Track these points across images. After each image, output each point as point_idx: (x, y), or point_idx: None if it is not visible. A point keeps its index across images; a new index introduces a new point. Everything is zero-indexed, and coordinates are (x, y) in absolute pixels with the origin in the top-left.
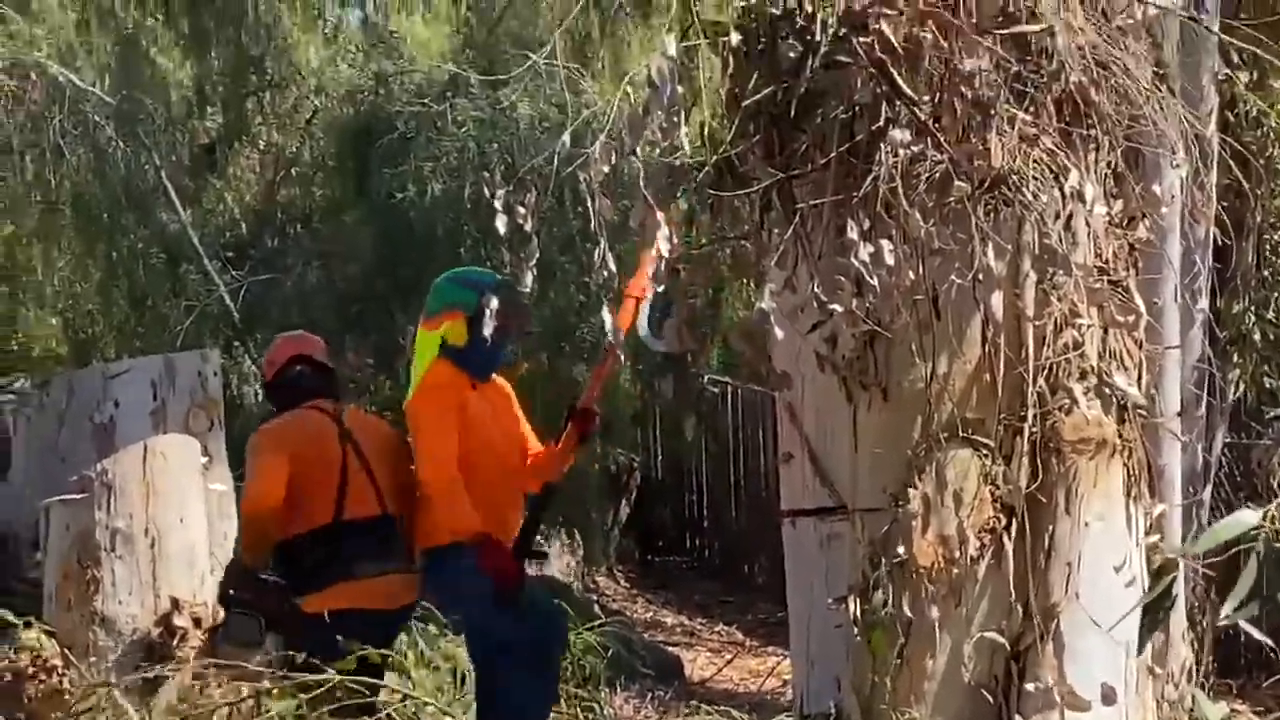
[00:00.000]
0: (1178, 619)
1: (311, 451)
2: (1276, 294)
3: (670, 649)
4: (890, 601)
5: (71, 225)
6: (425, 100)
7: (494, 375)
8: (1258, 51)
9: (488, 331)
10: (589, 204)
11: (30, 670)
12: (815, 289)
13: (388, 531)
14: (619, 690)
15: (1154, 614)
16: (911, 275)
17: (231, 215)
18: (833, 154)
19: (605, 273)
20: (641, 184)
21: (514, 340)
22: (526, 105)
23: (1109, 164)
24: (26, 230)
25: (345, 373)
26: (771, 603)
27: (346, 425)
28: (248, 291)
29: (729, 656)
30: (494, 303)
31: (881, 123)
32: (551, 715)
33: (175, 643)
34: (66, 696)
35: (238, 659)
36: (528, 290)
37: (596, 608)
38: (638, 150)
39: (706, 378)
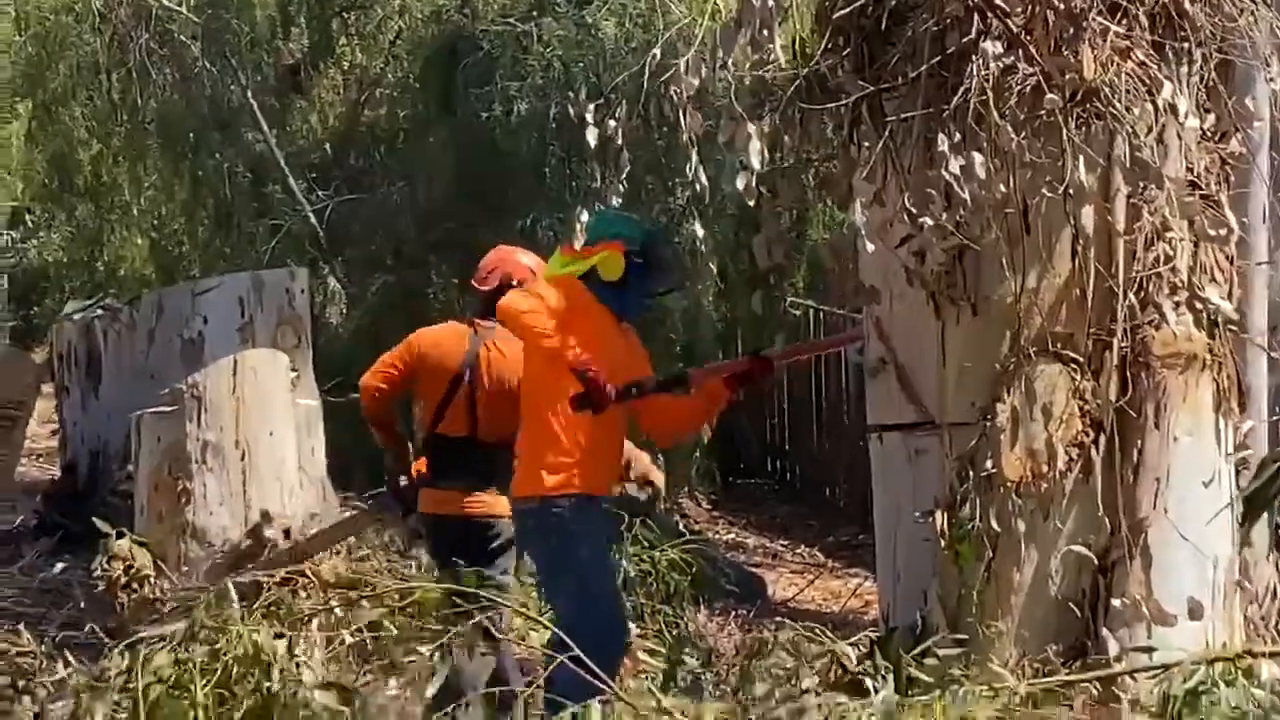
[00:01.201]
0: (1261, 537)
1: (434, 362)
2: None
3: (753, 569)
4: (978, 516)
5: (158, 145)
6: (511, 20)
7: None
8: None
9: (653, 267)
10: (680, 118)
11: (123, 580)
12: (905, 203)
13: (475, 453)
14: (702, 608)
15: (1259, 503)
16: (1002, 189)
17: (316, 136)
18: (923, 67)
19: (697, 186)
20: (732, 98)
21: (662, 291)
22: (612, 25)
23: (1201, 77)
24: (113, 150)
25: (429, 293)
26: (853, 525)
27: (481, 348)
28: (333, 212)
29: (811, 577)
30: (657, 248)
31: (973, 35)
32: (635, 631)
33: (265, 554)
34: (158, 605)
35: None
36: (616, 202)
37: (680, 528)
38: (730, 63)
39: (789, 299)
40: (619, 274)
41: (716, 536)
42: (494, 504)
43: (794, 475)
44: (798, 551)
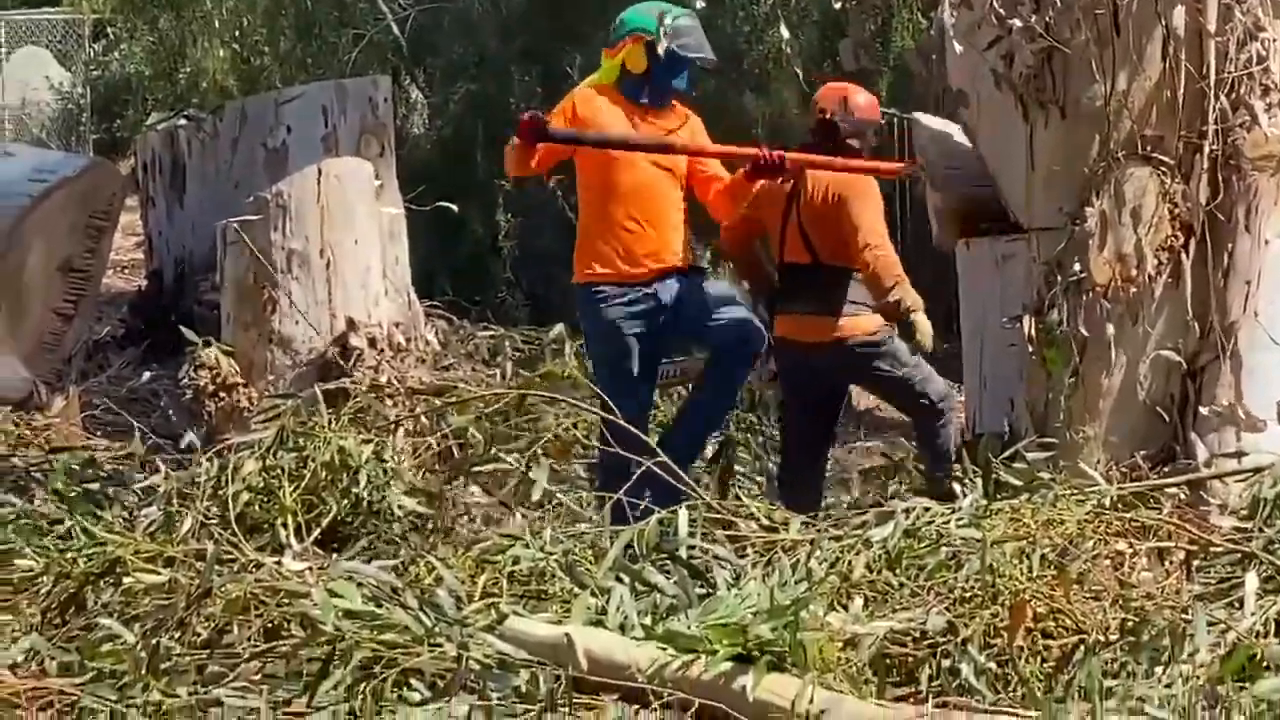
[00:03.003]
0: None
1: (766, 198)
2: None
3: None
4: (1066, 320)
5: None
6: None
7: (673, 104)
8: None
9: (661, 51)
10: None
11: (210, 388)
12: (994, 4)
13: (814, 278)
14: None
15: None
16: None
17: None
18: None
19: None
20: None
21: (693, 71)
22: None
23: None
24: None
25: (511, 102)
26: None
27: (799, 182)
28: (415, 20)
29: None
30: (672, 28)
31: None
32: (721, 437)
33: (350, 363)
34: (245, 414)
35: None
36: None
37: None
38: None
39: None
40: (644, 65)
41: None
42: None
43: None
44: None
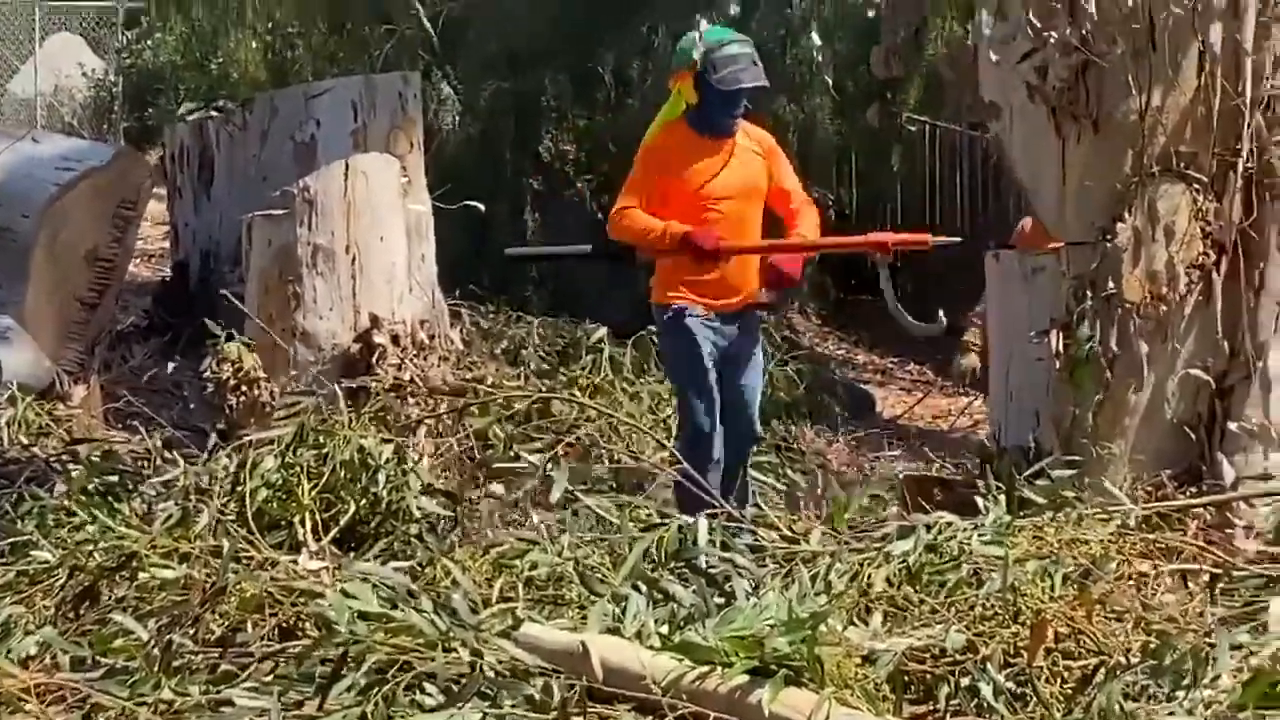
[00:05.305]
0: None
1: None
2: None
3: (862, 386)
4: (1096, 336)
5: None
6: None
7: (736, 129)
8: None
9: (713, 83)
10: None
11: (231, 382)
12: (1029, 16)
13: None
14: (812, 423)
15: None
16: (1129, 3)
17: None
18: None
19: None
20: None
21: (745, 97)
22: None
23: None
24: None
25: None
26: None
27: None
28: (447, 16)
29: (920, 395)
30: (719, 58)
31: None
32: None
33: (374, 359)
34: (266, 409)
35: None
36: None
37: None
38: None
39: (905, 115)
40: (695, 98)
41: (827, 352)
42: None
43: (906, 292)
44: (907, 369)
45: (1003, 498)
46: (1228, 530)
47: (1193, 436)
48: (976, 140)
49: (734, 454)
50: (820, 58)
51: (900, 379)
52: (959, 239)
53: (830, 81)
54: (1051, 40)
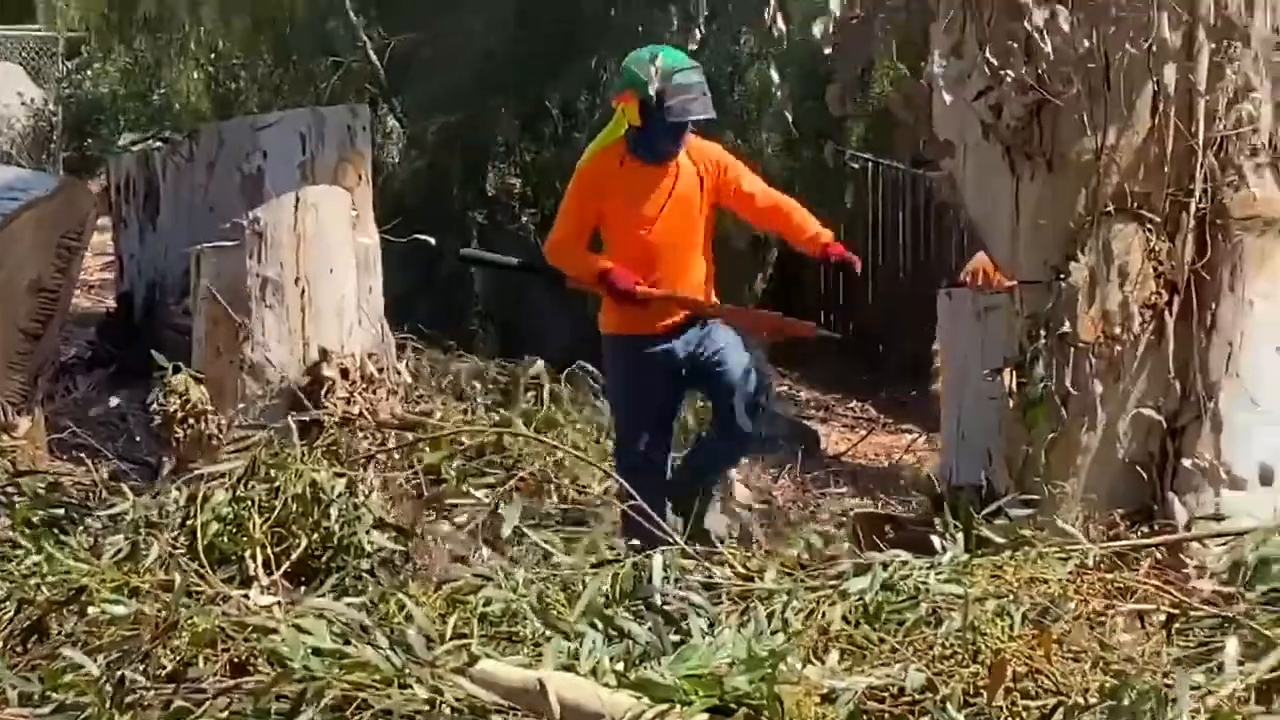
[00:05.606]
0: None
1: None
2: None
3: (806, 423)
4: (1050, 376)
5: None
6: None
7: (679, 153)
8: None
9: (657, 112)
10: None
11: (179, 415)
12: (986, 55)
13: None
14: (757, 460)
15: None
16: (1085, 43)
17: None
18: None
19: (774, 32)
20: None
21: (690, 126)
22: None
23: None
24: None
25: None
26: (905, 380)
27: None
28: (393, 50)
29: (863, 432)
30: (671, 85)
31: None
32: None
33: (322, 394)
34: (214, 442)
35: None
36: (697, 45)
37: None
38: None
39: (849, 153)
40: (640, 121)
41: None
42: None
43: (847, 329)
44: (849, 406)
45: (960, 536)
46: (1183, 570)
47: (1145, 476)
48: (919, 179)
49: (746, 429)
50: (779, 94)
51: (842, 415)
52: (839, 335)
53: (790, 117)
54: (1007, 79)
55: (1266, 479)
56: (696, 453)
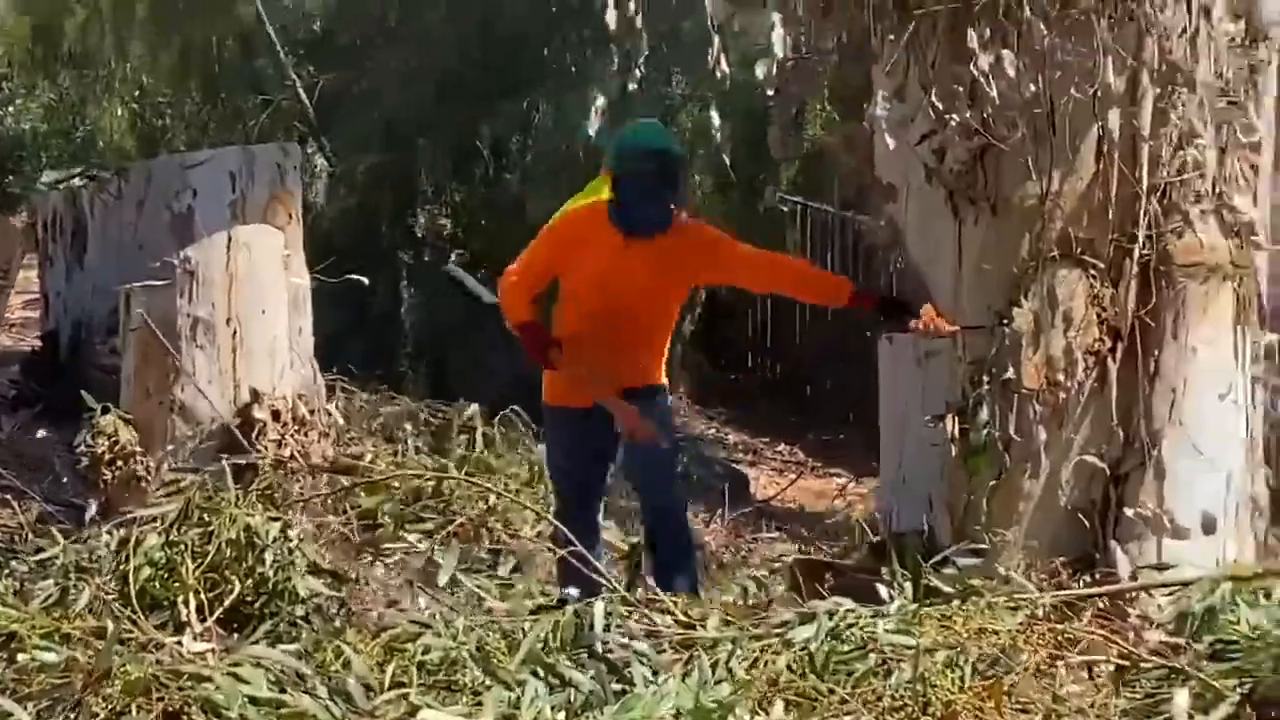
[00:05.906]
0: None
1: None
2: None
3: (735, 467)
4: (994, 423)
5: (145, 12)
6: None
7: (656, 233)
8: None
9: (628, 197)
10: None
11: (107, 456)
12: (930, 99)
13: None
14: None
15: None
16: (1031, 88)
17: (307, 9)
18: None
19: (719, 73)
20: None
21: (664, 207)
22: None
23: None
24: (99, 16)
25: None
26: (833, 423)
27: None
28: (323, 88)
29: (792, 476)
30: (634, 170)
31: None
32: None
33: (254, 435)
34: (142, 484)
35: None
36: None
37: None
38: None
39: (778, 195)
40: (614, 197)
41: (696, 431)
42: None
43: (775, 372)
44: (778, 449)
45: (909, 585)
46: (1127, 620)
47: (1087, 524)
48: (848, 221)
49: (655, 522)
50: (719, 135)
51: (771, 459)
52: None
53: (729, 160)
54: (951, 123)
55: (1209, 527)
56: (658, 577)
